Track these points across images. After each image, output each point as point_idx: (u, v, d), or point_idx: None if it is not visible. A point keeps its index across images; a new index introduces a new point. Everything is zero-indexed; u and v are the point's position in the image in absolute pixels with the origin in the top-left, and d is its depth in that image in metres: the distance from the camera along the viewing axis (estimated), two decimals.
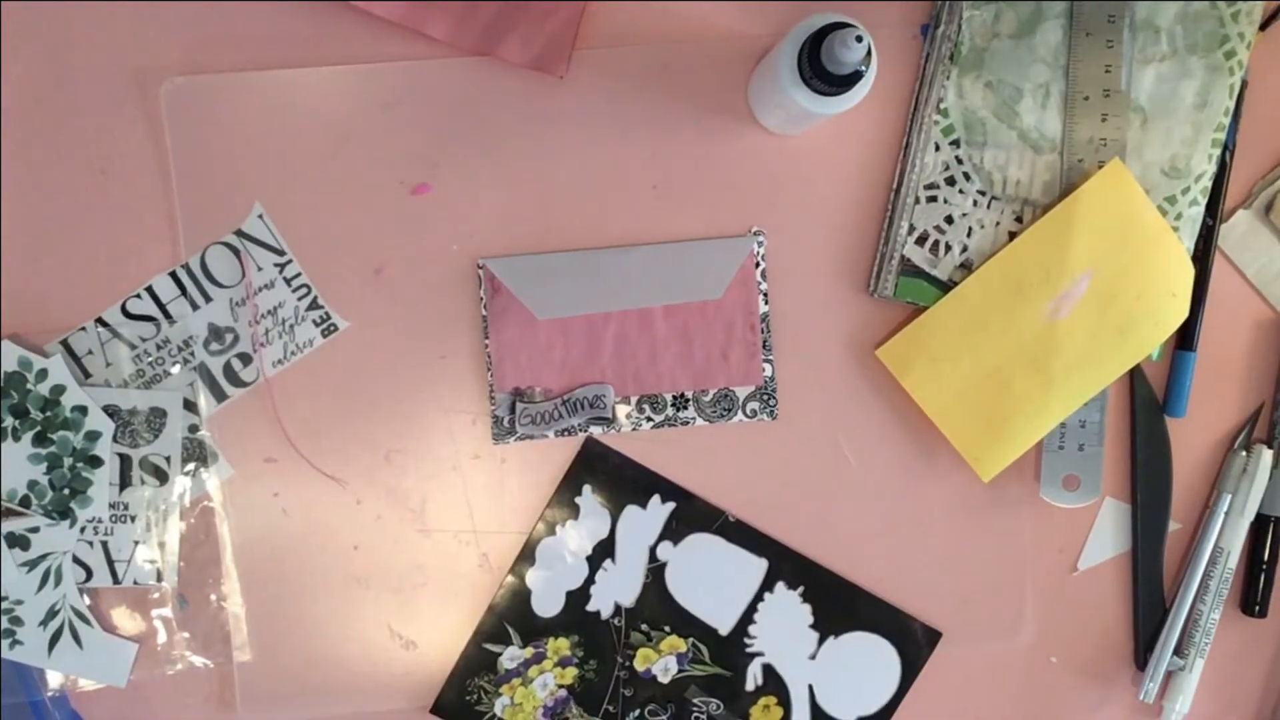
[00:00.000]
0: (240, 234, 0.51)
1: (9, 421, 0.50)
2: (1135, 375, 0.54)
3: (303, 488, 0.52)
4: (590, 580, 0.53)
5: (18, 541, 0.50)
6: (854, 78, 0.44)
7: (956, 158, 0.51)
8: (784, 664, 0.54)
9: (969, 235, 0.52)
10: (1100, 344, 0.51)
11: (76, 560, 0.51)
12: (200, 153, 0.50)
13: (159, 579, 0.51)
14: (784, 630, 0.54)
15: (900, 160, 0.52)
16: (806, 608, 0.54)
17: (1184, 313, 0.52)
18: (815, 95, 0.44)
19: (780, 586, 0.54)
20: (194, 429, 0.51)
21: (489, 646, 0.53)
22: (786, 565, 0.54)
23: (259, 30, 0.50)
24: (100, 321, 0.51)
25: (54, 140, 0.50)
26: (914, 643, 0.54)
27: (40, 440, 0.50)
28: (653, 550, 0.53)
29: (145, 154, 0.51)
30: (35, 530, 0.50)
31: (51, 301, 0.51)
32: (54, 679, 0.51)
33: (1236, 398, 0.55)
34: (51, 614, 0.51)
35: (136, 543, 0.51)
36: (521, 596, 0.53)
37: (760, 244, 0.52)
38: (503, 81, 0.51)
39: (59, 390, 0.50)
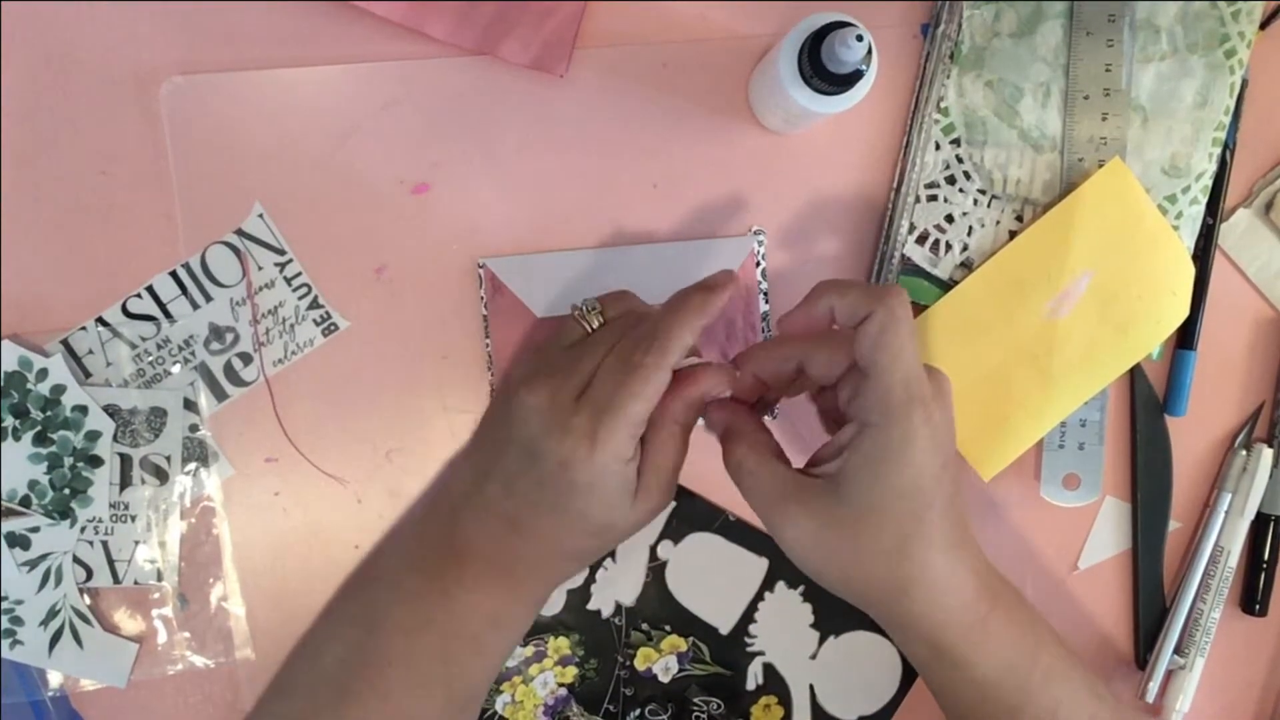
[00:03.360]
0: (240, 233, 0.51)
1: (9, 421, 0.50)
2: (1135, 374, 0.54)
3: (303, 487, 0.52)
4: (591, 579, 0.53)
5: (18, 541, 0.50)
6: (854, 77, 0.44)
7: (957, 156, 0.51)
8: (785, 663, 0.54)
9: (969, 234, 0.52)
10: (1100, 343, 0.51)
11: (77, 560, 0.51)
12: (200, 152, 0.50)
13: (159, 579, 0.51)
14: (785, 629, 0.54)
15: (900, 159, 0.52)
16: (807, 607, 0.54)
17: (1184, 312, 0.52)
18: (815, 95, 0.44)
19: (781, 586, 0.54)
20: (194, 428, 0.51)
21: None
22: (787, 564, 0.53)
23: (259, 30, 0.50)
24: (100, 321, 0.51)
25: (54, 140, 0.50)
26: None
27: (40, 440, 0.50)
28: (653, 549, 0.53)
29: (145, 154, 0.51)
30: (35, 530, 0.50)
31: (51, 301, 0.51)
32: (54, 679, 0.51)
33: (1236, 397, 0.56)
34: (52, 614, 0.51)
35: (137, 542, 0.51)
36: None
37: (760, 244, 0.52)
38: (503, 81, 0.51)
39: (59, 390, 0.50)
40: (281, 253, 0.51)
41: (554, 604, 0.53)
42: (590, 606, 0.53)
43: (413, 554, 0.45)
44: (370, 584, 0.47)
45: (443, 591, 0.43)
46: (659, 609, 0.53)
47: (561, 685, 0.53)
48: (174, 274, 0.51)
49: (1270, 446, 0.54)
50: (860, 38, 0.41)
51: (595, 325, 0.44)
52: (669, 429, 0.43)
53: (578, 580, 0.53)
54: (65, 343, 0.51)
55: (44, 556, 0.51)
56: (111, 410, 0.51)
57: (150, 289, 0.51)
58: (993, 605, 0.41)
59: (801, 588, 0.54)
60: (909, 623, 0.41)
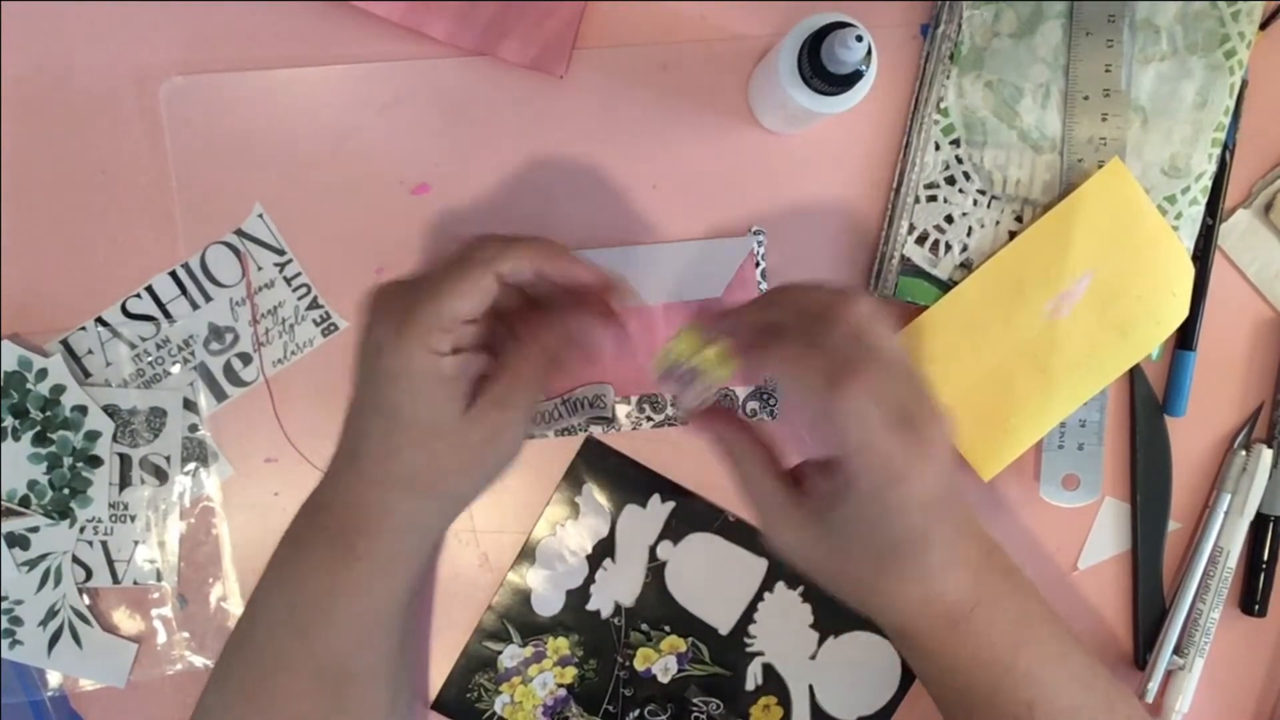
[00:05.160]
0: (240, 233, 0.51)
1: (9, 421, 0.50)
2: (1135, 375, 0.54)
3: (303, 487, 0.51)
4: (590, 580, 0.53)
5: (18, 541, 0.50)
6: (854, 77, 0.44)
7: (956, 157, 0.51)
8: (784, 664, 0.54)
9: (969, 235, 0.52)
10: (1100, 343, 0.51)
11: (76, 560, 0.51)
12: (200, 153, 0.51)
13: (159, 579, 0.51)
14: (784, 630, 0.54)
15: (900, 160, 0.52)
16: (806, 607, 0.54)
17: (1184, 312, 0.52)
18: (815, 95, 0.44)
19: (780, 586, 0.54)
20: (194, 428, 0.51)
21: (489, 645, 0.53)
22: (787, 564, 0.53)
23: (259, 30, 0.50)
24: (100, 321, 0.51)
25: (54, 140, 0.50)
26: None
27: (40, 440, 0.50)
28: (653, 549, 0.53)
29: (145, 154, 0.51)
30: (35, 530, 0.50)
31: (51, 301, 0.51)
32: (53, 679, 0.51)
33: (1236, 397, 0.56)
34: (51, 614, 0.51)
35: (136, 542, 0.51)
36: (521, 596, 0.53)
37: (760, 244, 0.52)
38: (503, 81, 0.51)
39: (59, 390, 0.50)
40: (281, 253, 0.51)
41: (553, 604, 0.53)
42: (589, 607, 0.53)
43: (288, 534, 0.45)
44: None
45: (293, 555, 0.43)
46: (658, 609, 0.53)
47: (561, 686, 0.53)
48: (174, 274, 0.51)
49: (1270, 447, 0.54)
50: (860, 38, 0.41)
51: None
52: (529, 348, 0.42)
53: (577, 580, 0.53)
54: (65, 343, 0.51)
55: (43, 556, 0.51)
56: (111, 410, 0.51)
57: (150, 289, 0.51)
58: (974, 606, 0.42)
59: (801, 588, 0.54)
60: (882, 621, 0.43)
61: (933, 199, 0.52)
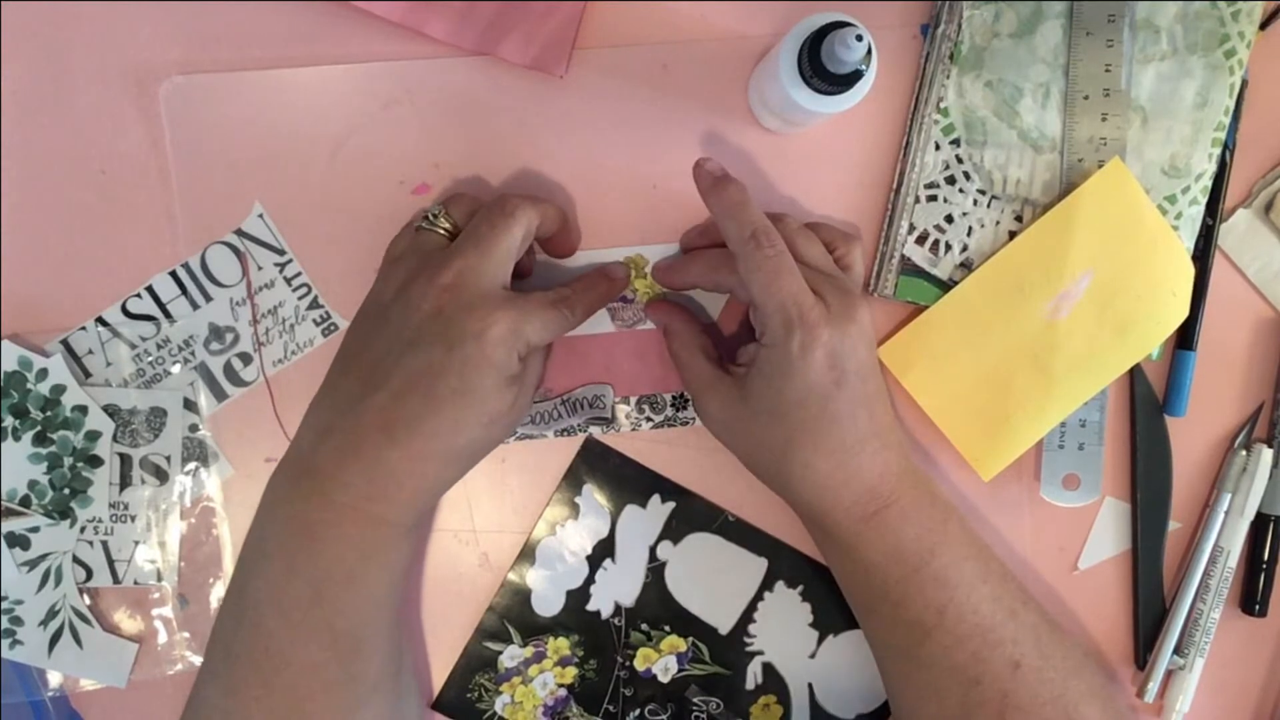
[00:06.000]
0: (240, 233, 0.51)
1: (9, 421, 0.50)
2: (1135, 375, 0.54)
3: None
4: (590, 580, 0.53)
5: (18, 541, 0.50)
6: (854, 77, 0.44)
7: (957, 157, 0.51)
8: (784, 663, 0.54)
9: (969, 234, 0.52)
10: (1100, 343, 0.51)
11: (77, 560, 0.51)
12: (200, 152, 0.51)
13: (159, 579, 0.51)
14: (784, 629, 0.54)
15: (900, 160, 0.52)
16: (806, 606, 0.54)
17: (1184, 312, 0.52)
18: (815, 95, 0.44)
19: (780, 585, 0.54)
20: (194, 428, 0.51)
21: (489, 645, 0.53)
22: (786, 564, 0.54)
23: (259, 30, 0.50)
24: (100, 321, 0.51)
25: (54, 140, 0.50)
26: None
27: (40, 440, 0.50)
28: (653, 550, 0.53)
29: (145, 154, 0.51)
30: (35, 530, 0.50)
31: (51, 301, 0.51)
32: (54, 679, 0.51)
33: (1236, 397, 0.56)
34: (51, 614, 0.51)
35: (137, 542, 0.51)
36: (522, 596, 0.53)
37: None
38: (503, 81, 0.51)
39: (59, 390, 0.50)
40: (281, 253, 0.51)
41: (553, 604, 0.53)
42: (590, 607, 0.53)
43: (271, 508, 0.44)
44: (244, 550, 0.45)
45: (308, 535, 0.42)
46: (658, 609, 0.53)
47: (561, 686, 0.53)
48: (174, 274, 0.51)
49: (1270, 446, 0.54)
50: (860, 38, 0.41)
51: (448, 226, 0.46)
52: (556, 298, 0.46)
53: (577, 581, 0.53)
54: (65, 343, 0.51)
55: (44, 556, 0.51)
56: (111, 410, 0.51)
57: (150, 289, 0.51)
58: (890, 501, 0.45)
59: (800, 587, 0.54)
60: (798, 507, 0.47)
61: (933, 199, 0.52)
